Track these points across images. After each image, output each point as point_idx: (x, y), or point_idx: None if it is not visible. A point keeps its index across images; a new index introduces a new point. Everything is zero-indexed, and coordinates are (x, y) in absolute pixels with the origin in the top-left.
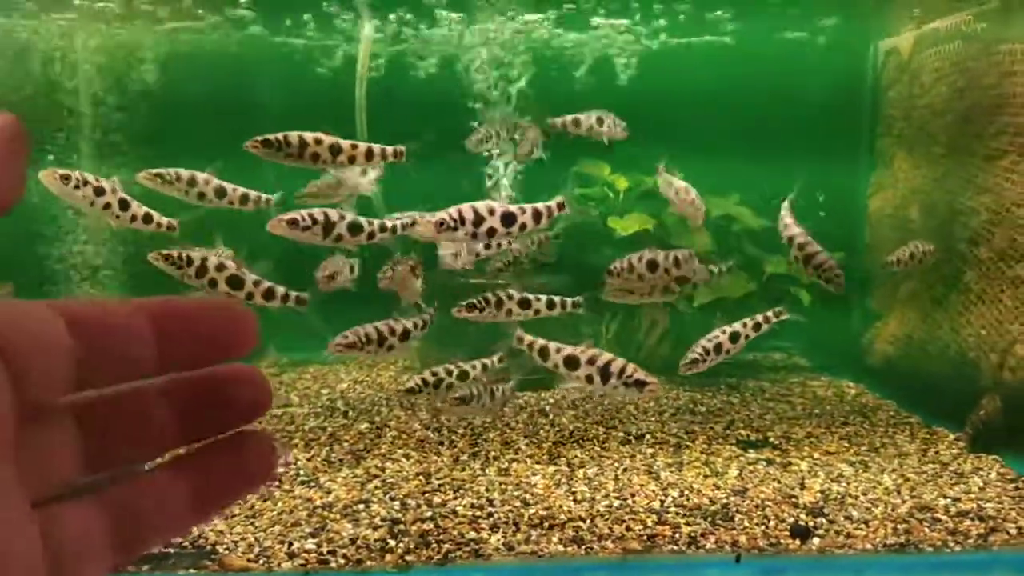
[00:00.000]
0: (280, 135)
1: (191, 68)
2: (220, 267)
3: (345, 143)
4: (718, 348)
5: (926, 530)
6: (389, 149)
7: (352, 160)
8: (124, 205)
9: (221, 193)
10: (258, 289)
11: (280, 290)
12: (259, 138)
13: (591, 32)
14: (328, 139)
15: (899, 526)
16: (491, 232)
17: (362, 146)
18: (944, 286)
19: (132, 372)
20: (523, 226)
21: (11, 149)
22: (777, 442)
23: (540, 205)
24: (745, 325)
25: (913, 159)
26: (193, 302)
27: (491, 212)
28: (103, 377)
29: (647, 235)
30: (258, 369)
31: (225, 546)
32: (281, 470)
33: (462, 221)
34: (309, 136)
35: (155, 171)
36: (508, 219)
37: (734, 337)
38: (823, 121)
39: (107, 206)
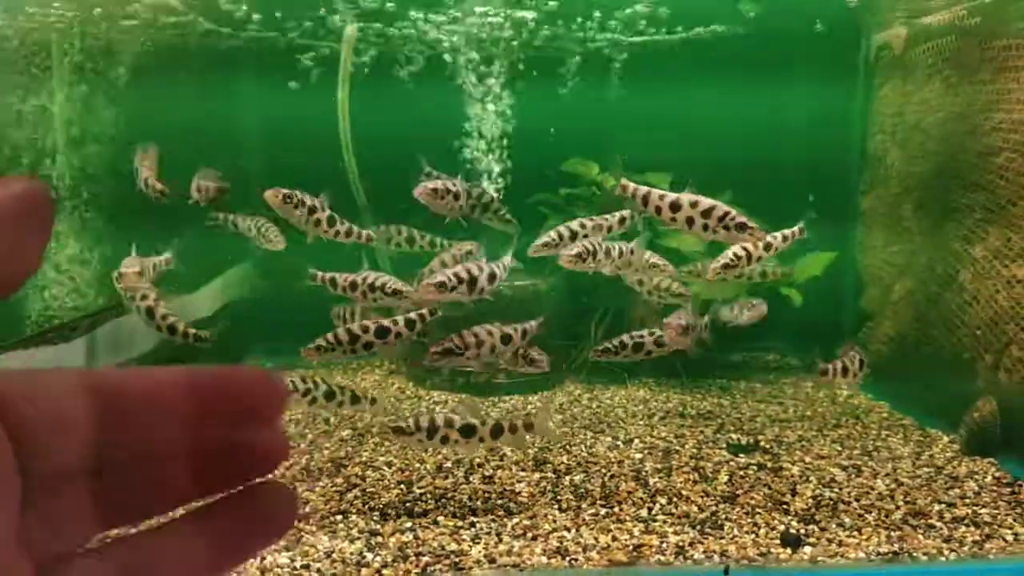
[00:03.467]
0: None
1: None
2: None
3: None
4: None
5: (920, 537)
6: None
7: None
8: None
9: (332, 222)
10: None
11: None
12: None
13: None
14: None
15: (892, 533)
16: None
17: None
18: (938, 286)
19: (156, 443)
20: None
21: (31, 220)
22: (768, 446)
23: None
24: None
25: (906, 156)
26: (223, 371)
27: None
28: (125, 448)
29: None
30: (274, 373)
31: None
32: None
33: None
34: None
35: (284, 192)
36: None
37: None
38: (815, 121)
39: (318, 223)
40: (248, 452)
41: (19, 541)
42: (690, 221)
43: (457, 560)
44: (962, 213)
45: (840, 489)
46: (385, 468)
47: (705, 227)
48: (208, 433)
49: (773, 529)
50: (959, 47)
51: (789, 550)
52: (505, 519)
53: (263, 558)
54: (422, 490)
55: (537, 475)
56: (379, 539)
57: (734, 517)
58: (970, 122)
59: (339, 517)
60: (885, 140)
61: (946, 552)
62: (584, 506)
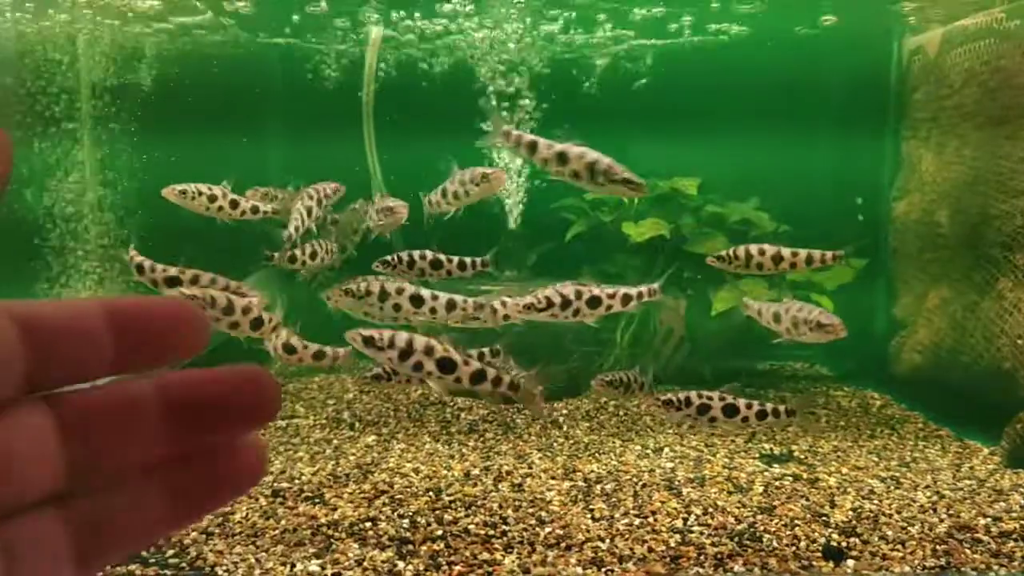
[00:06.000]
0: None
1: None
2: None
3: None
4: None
5: (967, 551)
6: None
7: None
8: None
9: (437, 265)
10: None
11: None
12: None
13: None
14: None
15: (938, 547)
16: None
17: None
18: (976, 293)
19: (85, 373)
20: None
21: None
22: (803, 456)
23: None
24: None
25: (941, 162)
26: (144, 301)
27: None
28: (55, 378)
29: (662, 240)
30: (263, 371)
31: (224, 568)
32: (285, 485)
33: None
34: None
35: (178, 188)
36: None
37: None
38: (845, 122)
39: (220, 208)
40: (230, 404)
41: None
42: (575, 174)
43: (491, 570)
44: (1001, 220)
45: (880, 501)
46: (413, 475)
47: (591, 179)
48: (135, 358)
49: (814, 542)
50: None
51: (832, 563)
52: (537, 528)
53: (293, 565)
54: (451, 497)
55: (567, 483)
56: (410, 547)
57: (773, 529)
58: (1010, 126)
59: (368, 524)
60: (919, 146)
61: (995, 567)
62: (617, 516)
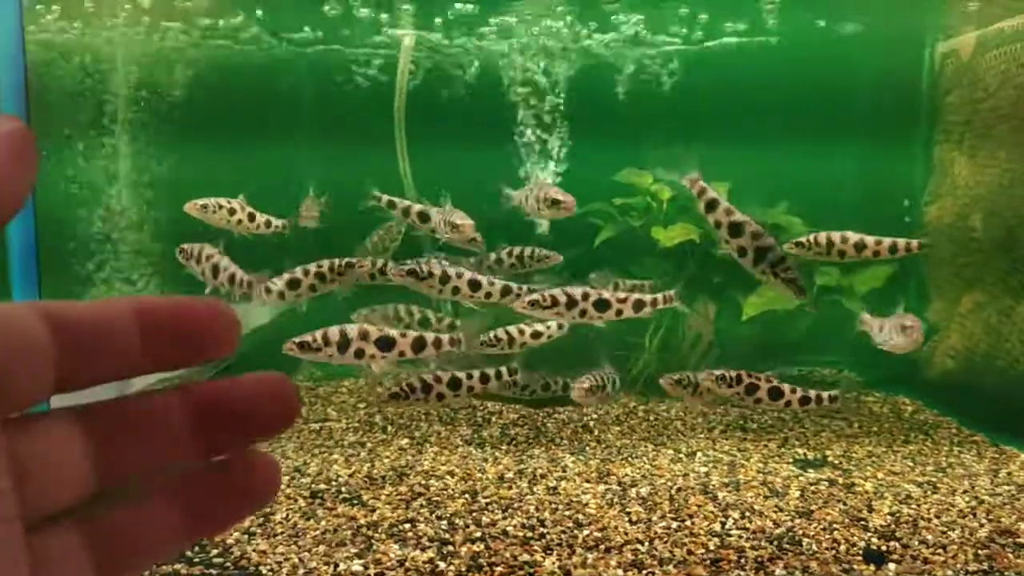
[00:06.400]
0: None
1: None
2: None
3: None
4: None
5: (1010, 556)
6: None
7: None
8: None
9: (252, 218)
10: None
11: None
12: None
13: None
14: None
15: (980, 551)
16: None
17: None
18: (1012, 298)
19: (115, 372)
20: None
21: (17, 157)
22: (837, 461)
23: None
24: None
25: (975, 166)
26: (174, 300)
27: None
28: (84, 377)
29: (692, 245)
30: (285, 378)
31: (268, 567)
32: (323, 487)
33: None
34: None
35: (200, 202)
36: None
37: None
38: (876, 125)
39: (239, 222)
40: (251, 410)
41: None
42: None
43: (532, 571)
44: None
45: (918, 506)
46: (448, 477)
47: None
48: (164, 358)
49: (853, 546)
50: None
51: (873, 567)
52: (575, 530)
53: (336, 565)
54: (487, 500)
55: (602, 487)
56: (450, 548)
57: (812, 533)
58: None
59: (407, 525)
60: (951, 149)
61: None
62: (655, 519)
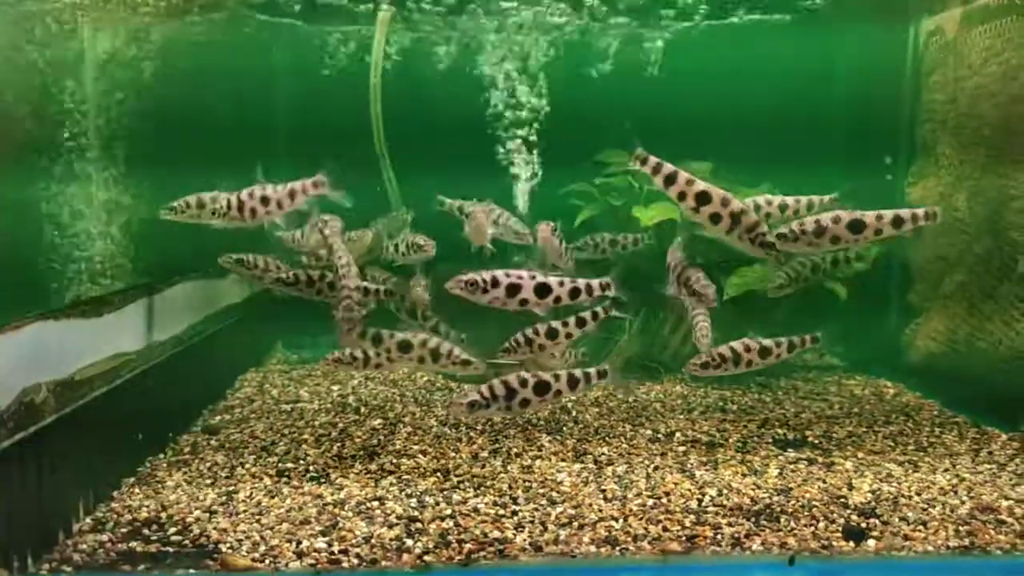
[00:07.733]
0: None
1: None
2: None
3: None
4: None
5: (991, 532)
6: None
7: None
8: None
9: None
10: None
11: None
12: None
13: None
14: None
15: (961, 528)
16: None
17: None
18: (995, 278)
19: None
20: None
21: None
22: (817, 441)
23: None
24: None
25: (959, 145)
26: None
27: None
28: None
29: (672, 224)
30: None
31: (228, 544)
32: (291, 465)
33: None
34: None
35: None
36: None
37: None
38: (858, 108)
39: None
40: None
41: None
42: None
43: (502, 548)
44: (1021, 201)
45: (899, 484)
46: (420, 456)
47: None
48: None
49: (833, 522)
50: None
51: (852, 543)
52: (549, 508)
53: (299, 543)
54: (459, 478)
55: (578, 466)
56: (419, 525)
57: (790, 510)
58: None
59: (375, 503)
60: (935, 128)
61: (1021, 548)
62: (630, 496)
